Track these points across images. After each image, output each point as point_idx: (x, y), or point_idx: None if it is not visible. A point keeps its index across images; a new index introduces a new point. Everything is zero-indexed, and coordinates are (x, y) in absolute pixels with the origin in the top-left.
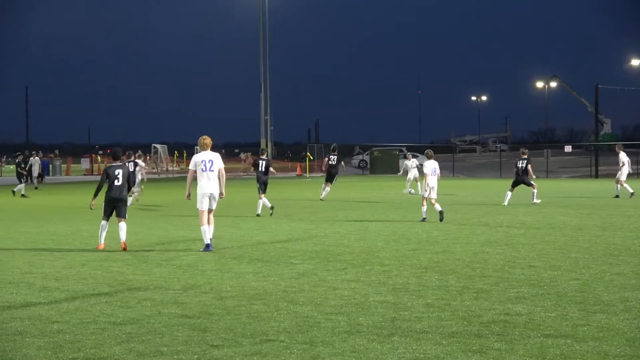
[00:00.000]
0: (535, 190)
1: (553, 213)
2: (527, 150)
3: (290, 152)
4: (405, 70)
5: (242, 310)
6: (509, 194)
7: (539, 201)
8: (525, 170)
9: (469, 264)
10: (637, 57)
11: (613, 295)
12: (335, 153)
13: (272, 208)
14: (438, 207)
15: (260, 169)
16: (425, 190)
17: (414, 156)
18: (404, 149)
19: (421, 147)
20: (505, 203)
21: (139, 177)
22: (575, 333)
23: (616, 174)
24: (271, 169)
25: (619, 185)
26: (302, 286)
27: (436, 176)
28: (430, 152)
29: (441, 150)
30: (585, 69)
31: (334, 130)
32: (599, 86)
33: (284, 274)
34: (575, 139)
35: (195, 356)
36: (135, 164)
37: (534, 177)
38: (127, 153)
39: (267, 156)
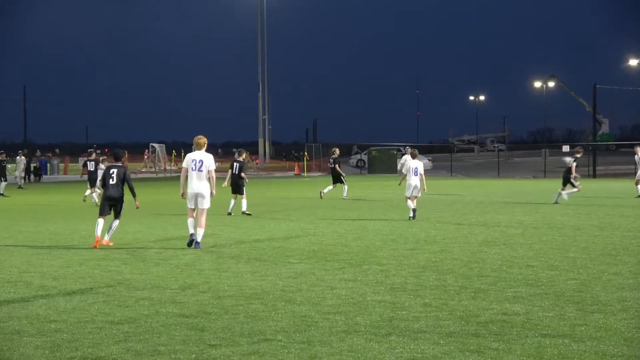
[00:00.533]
0: (567, 191)
1: (551, 213)
2: (578, 149)
3: (294, 151)
4: (404, 70)
5: (239, 310)
6: (562, 192)
7: (562, 195)
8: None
9: (467, 264)
10: (635, 57)
11: (611, 295)
12: (333, 156)
13: (229, 214)
14: (412, 206)
15: (234, 170)
16: (408, 189)
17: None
18: (402, 148)
19: (419, 146)
20: (563, 197)
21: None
22: (573, 333)
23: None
24: (243, 174)
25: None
26: (300, 285)
27: (418, 176)
28: (414, 151)
29: (439, 150)
30: (584, 69)
31: (332, 130)
32: (597, 86)
33: (282, 274)
34: (574, 138)
35: (193, 355)
36: (97, 163)
37: (577, 176)
38: (88, 151)
39: (243, 158)
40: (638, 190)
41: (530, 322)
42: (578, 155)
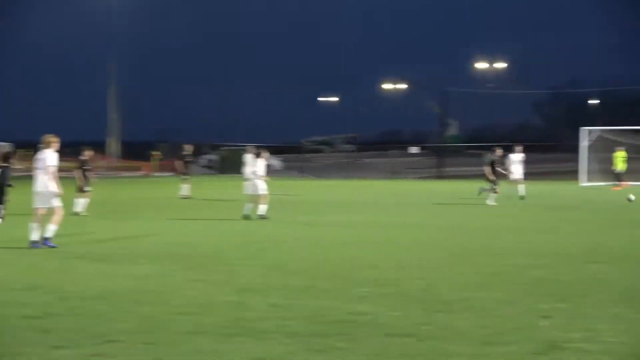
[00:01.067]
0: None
1: (401, 213)
2: (496, 149)
3: (153, 151)
4: (264, 71)
5: (85, 311)
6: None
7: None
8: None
9: (315, 264)
10: (483, 61)
11: (455, 294)
12: (182, 153)
13: (76, 213)
14: (261, 208)
15: (78, 168)
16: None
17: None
18: (255, 148)
19: (268, 147)
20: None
21: None
22: (417, 332)
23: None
24: (84, 172)
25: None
26: (147, 286)
27: (257, 176)
28: (258, 151)
29: (289, 150)
30: (434, 72)
31: (188, 129)
32: (447, 89)
33: (130, 274)
34: (423, 140)
35: (36, 357)
36: None
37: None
38: None
39: (87, 156)
40: (518, 191)
41: (376, 321)
42: (493, 156)
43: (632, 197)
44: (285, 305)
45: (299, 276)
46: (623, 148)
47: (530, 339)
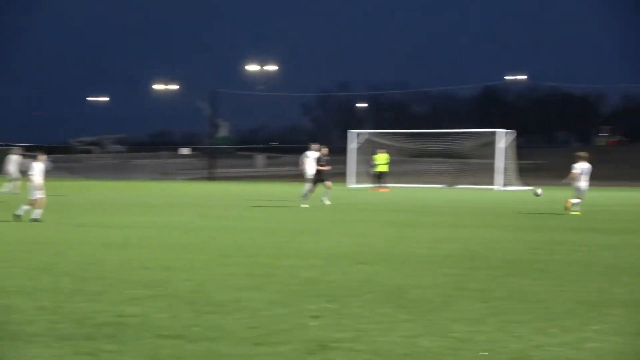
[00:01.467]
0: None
1: (169, 214)
2: (322, 148)
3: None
4: (32, 69)
5: None
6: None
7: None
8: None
9: (84, 266)
10: (253, 63)
11: (225, 295)
12: None
13: None
14: (36, 212)
15: None
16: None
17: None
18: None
19: (37, 147)
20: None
21: None
22: (187, 333)
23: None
24: None
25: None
26: None
27: (36, 177)
28: (37, 153)
29: (58, 151)
30: (206, 73)
31: None
32: (217, 90)
33: None
34: (193, 141)
35: None
36: None
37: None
38: None
39: None
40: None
41: (146, 323)
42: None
43: (539, 191)
44: (54, 308)
45: (67, 278)
46: (385, 150)
47: (300, 339)
